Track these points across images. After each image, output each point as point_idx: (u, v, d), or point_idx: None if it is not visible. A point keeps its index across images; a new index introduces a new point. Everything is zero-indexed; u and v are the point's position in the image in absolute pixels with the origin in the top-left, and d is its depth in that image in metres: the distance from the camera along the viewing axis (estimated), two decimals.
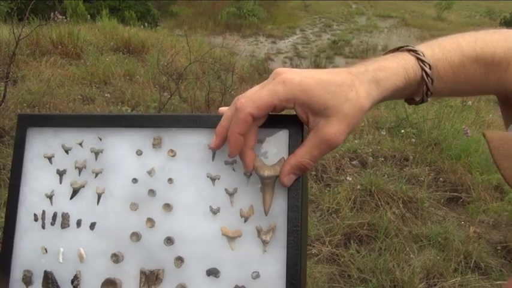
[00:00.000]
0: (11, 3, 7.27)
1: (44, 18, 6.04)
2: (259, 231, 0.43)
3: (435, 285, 2.35)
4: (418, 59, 0.47)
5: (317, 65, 7.10)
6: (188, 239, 0.44)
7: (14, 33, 3.76)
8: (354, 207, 2.98)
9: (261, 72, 6.72)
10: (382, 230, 2.72)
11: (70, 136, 0.48)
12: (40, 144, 0.48)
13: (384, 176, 3.30)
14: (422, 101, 0.50)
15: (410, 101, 0.51)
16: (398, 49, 0.50)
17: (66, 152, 0.48)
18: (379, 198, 3.03)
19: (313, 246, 2.64)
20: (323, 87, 0.42)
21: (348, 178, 3.26)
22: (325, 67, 7.28)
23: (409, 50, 0.49)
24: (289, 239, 0.42)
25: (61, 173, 0.48)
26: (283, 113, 0.45)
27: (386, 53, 0.51)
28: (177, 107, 4.37)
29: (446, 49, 0.50)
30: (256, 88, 0.43)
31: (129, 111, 4.14)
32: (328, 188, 3.20)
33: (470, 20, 15.99)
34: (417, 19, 15.68)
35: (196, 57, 5.01)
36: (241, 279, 0.43)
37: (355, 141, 3.82)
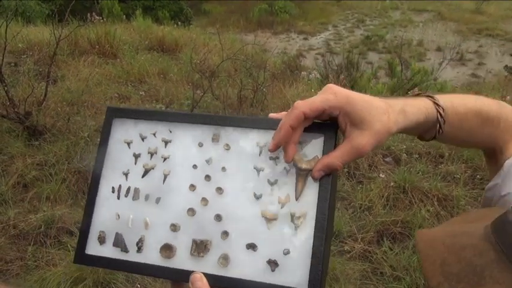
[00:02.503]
0: (51, 5, 7.54)
1: (82, 19, 6.24)
2: (292, 216, 0.51)
3: None
4: (435, 102, 0.58)
5: (350, 61, 7.01)
6: (234, 217, 0.52)
7: (54, 34, 3.92)
8: (387, 204, 2.94)
9: (292, 69, 6.70)
10: (416, 227, 2.68)
11: (146, 127, 0.58)
12: (122, 132, 0.59)
13: (418, 173, 3.24)
14: (434, 138, 0.60)
15: (421, 137, 0.62)
16: (418, 95, 0.61)
17: (142, 139, 0.58)
18: (412, 195, 2.99)
19: (346, 243, 2.63)
20: (365, 104, 0.51)
21: (381, 175, 3.23)
22: (358, 63, 7.18)
23: (427, 96, 0.59)
24: (317, 224, 0.50)
25: (136, 156, 0.57)
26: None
27: (408, 97, 0.61)
28: (209, 104, 4.44)
29: (454, 101, 0.61)
30: (312, 97, 0.52)
31: (163, 108, 4.24)
32: (360, 185, 3.18)
33: (511, 12, 15.35)
34: (454, 12, 15.21)
35: (229, 55, 5.06)
36: (274, 254, 0.50)
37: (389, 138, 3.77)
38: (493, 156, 0.68)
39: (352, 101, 0.51)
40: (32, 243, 2.49)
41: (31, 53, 5.15)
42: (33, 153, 3.26)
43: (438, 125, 0.58)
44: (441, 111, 0.57)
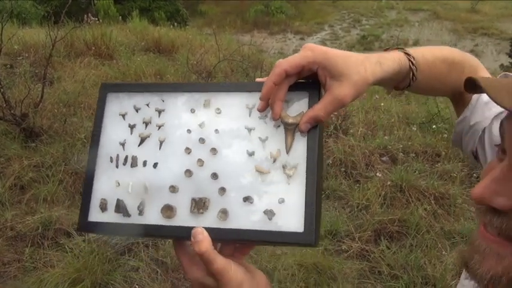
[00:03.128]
0: (47, 6, 7.52)
1: (77, 20, 6.22)
2: (284, 168, 0.54)
3: None
4: (405, 53, 0.62)
5: None
6: (229, 174, 0.55)
7: (50, 35, 3.91)
8: (384, 203, 2.95)
9: None
10: (413, 226, 2.69)
11: (140, 99, 0.61)
12: (116, 105, 0.61)
13: (415, 172, 3.25)
14: (408, 86, 0.64)
15: (397, 87, 0.66)
16: (387, 49, 0.65)
17: (136, 111, 0.60)
18: (410, 194, 3.00)
19: (343, 242, 2.64)
20: (342, 58, 0.54)
21: (378, 174, 3.24)
22: None
23: (397, 49, 0.64)
24: (308, 172, 0.53)
25: (132, 127, 0.60)
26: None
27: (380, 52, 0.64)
28: None
29: (422, 52, 0.66)
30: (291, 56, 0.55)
31: None
32: (357, 184, 3.19)
33: (507, 11, 15.42)
34: (449, 11, 15.28)
35: (225, 56, 5.06)
36: (269, 204, 0.53)
37: (385, 137, 3.78)
38: (460, 100, 0.74)
39: (329, 55, 0.54)
40: (29, 245, 2.49)
41: (27, 55, 5.14)
42: (29, 155, 3.25)
43: (411, 73, 0.62)
44: (412, 60, 0.62)
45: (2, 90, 3.41)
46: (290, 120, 0.54)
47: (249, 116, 0.57)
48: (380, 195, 2.99)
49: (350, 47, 10.94)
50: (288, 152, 0.54)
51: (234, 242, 0.54)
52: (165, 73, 5.36)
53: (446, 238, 2.67)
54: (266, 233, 0.52)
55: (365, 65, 0.55)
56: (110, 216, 0.57)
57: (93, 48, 5.72)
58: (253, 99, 0.57)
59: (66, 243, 2.46)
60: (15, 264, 2.38)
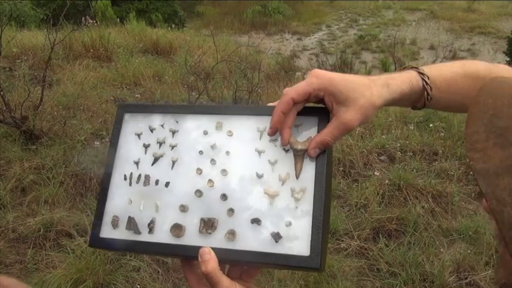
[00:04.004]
0: (45, 9, 7.53)
1: (75, 23, 6.24)
2: (292, 191, 0.55)
3: (466, 278, 2.34)
4: (419, 72, 0.61)
5: (344, 61, 7.05)
6: (238, 196, 0.56)
7: (48, 38, 3.93)
8: (382, 201, 2.98)
9: (287, 69, 6.73)
10: (411, 224, 2.72)
11: (155, 119, 0.63)
12: (132, 125, 0.63)
13: (413, 170, 3.28)
14: (424, 105, 0.63)
15: (414, 107, 0.65)
16: (403, 68, 0.64)
17: (151, 131, 0.63)
18: (407, 192, 3.03)
19: (342, 241, 2.66)
20: (346, 83, 0.55)
21: (375, 173, 3.26)
22: (351, 63, 7.23)
23: (412, 68, 0.62)
24: (315, 197, 0.54)
25: (146, 146, 0.62)
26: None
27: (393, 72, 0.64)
28: None
29: (441, 69, 0.64)
30: (298, 83, 0.56)
31: None
32: (356, 184, 3.21)
33: (503, 9, 15.47)
34: (446, 11, 15.31)
35: (223, 57, 5.08)
36: (277, 227, 0.54)
37: (383, 136, 3.81)
38: None
39: (334, 81, 0.55)
40: (31, 246, 2.51)
41: (26, 58, 5.15)
42: (30, 157, 3.27)
43: (426, 92, 0.61)
44: (426, 79, 0.61)
45: (1, 93, 3.43)
46: (299, 147, 0.55)
47: (260, 139, 0.58)
48: (378, 194, 3.02)
49: (347, 47, 10.96)
50: (297, 177, 0.55)
51: (240, 263, 0.55)
52: (163, 74, 5.39)
53: (444, 235, 2.69)
54: (272, 256, 0.52)
55: (371, 89, 0.56)
56: (121, 233, 0.58)
57: (92, 50, 5.74)
58: (264, 122, 0.58)
59: (67, 244, 2.48)
60: (18, 266, 2.40)
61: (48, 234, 2.58)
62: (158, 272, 2.39)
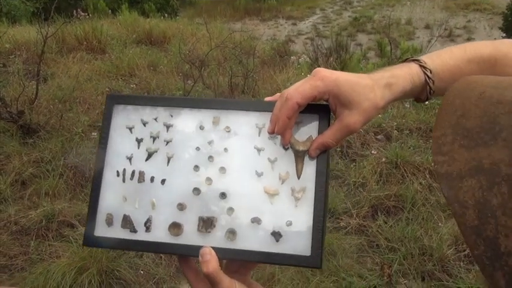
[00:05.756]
0: (36, 3, 7.48)
1: (67, 16, 6.21)
2: (293, 190, 0.54)
3: (464, 250, 2.37)
4: (421, 66, 0.60)
5: (339, 44, 7.02)
6: (238, 194, 0.56)
7: (41, 32, 3.91)
8: (380, 180, 3.01)
9: (282, 54, 6.71)
10: (409, 200, 2.75)
11: (147, 112, 0.60)
12: (123, 118, 0.60)
13: (410, 148, 3.30)
14: (427, 98, 0.63)
15: (418, 99, 0.64)
16: (405, 60, 0.63)
17: (144, 124, 0.60)
18: (405, 170, 3.05)
19: (341, 220, 2.69)
20: (351, 86, 0.55)
21: (373, 152, 3.28)
22: (347, 45, 7.20)
23: (414, 60, 0.62)
24: (316, 197, 0.54)
25: (139, 141, 0.59)
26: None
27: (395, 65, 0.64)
28: (201, 93, 4.46)
29: (442, 57, 0.63)
30: (300, 82, 0.55)
31: None
32: (353, 163, 3.23)
33: None
34: None
35: (217, 44, 5.07)
36: (277, 226, 0.54)
37: (379, 115, 3.81)
38: None
39: (339, 84, 0.54)
40: (34, 238, 2.53)
41: (19, 53, 5.14)
42: (28, 151, 3.29)
43: (428, 86, 0.61)
44: (428, 73, 0.60)
45: None
46: (300, 148, 0.55)
47: (259, 135, 0.57)
48: (376, 173, 3.04)
49: (342, 29, 10.91)
50: (299, 177, 0.55)
51: (241, 261, 0.55)
52: (158, 64, 5.38)
53: (441, 210, 2.72)
54: (273, 255, 0.52)
55: (374, 91, 0.56)
56: (116, 232, 0.56)
57: (85, 43, 5.72)
58: (263, 119, 0.57)
59: (70, 234, 2.51)
60: (22, 257, 2.43)
61: (50, 225, 2.61)
62: (161, 257, 2.42)
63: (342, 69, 5.88)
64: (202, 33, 6.34)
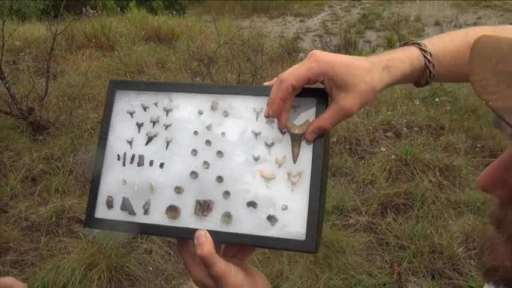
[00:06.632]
0: (45, 0, 7.53)
1: (76, 14, 6.24)
2: (289, 175, 0.54)
3: (475, 249, 2.35)
4: (421, 49, 0.59)
5: (348, 41, 6.98)
6: (234, 178, 0.56)
7: (50, 30, 3.93)
8: (390, 177, 2.98)
9: (290, 51, 6.68)
10: (418, 198, 2.72)
11: (148, 98, 0.61)
12: (125, 103, 0.61)
13: (419, 145, 3.27)
14: (427, 83, 0.61)
15: (417, 84, 0.63)
16: (405, 44, 0.62)
17: (144, 109, 0.61)
18: (414, 167, 3.02)
19: (350, 217, 2.68)
20: (347, 67, 0.53)
21: (382, 149, 3.26)
22: (355, 42, 7.16)
23: (414, 43, 0.60)
24: (312, 181, 0.53)
25: (139, 125, 0.60)
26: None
27: (398, 47, 0.62)
28: None
29: (443, 41, 0.62)
30: (295, 66, 0.54)
31: None
32: (362, 161, 3.22)
33: None
34: None
35: (225, 41, 5.06)
36: (273, 210, 0.54)
37: (389, 112, 3.79)
38: None
39: (334, 65, 0.53)
40: (44, 234, 2.55)
41: (29, 50, 5.18)
42: (38, 147, 3.31)
43: (428, 70, 0.59)
44: (428, 57, 0.59)
45: (7, 85, 3.46)
46: (296, 131, 0.55)
47: (256, 120, 0.57)
48: (385, 170, 3.02)
49: (351, 26, 10.84)
50: (295, 161, 0.54)
51: (236, 245, 0.55)
52: (166, 61, 5.39)
53: (452, 208, 2.70)
54: (268, 239, 0.53)
55: (372, 73, 0.54)
56: (116, 214, 0.57)
57: (94, 40, 5.74)
58: (261, 103, 0.57)
59: (80, 230, 2.53)
60: (32, 253, 2.45)
61: (60, 221, 2.63)
62: (170, 253, 2.43)
63: None
64: (211, 31, 6.33)
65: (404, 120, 3.64)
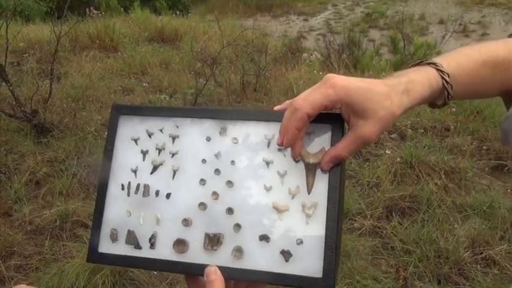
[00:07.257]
0: (49, 2, 7.54)
1: (80, 15, 6.24)
2: (303, 206, 0.51)
3: (481, 253, 2.33)
4: (438, 70, 0.57)
5: (351, 40, 6.95)
6: (245, 210, 0.53)
7: (54, 31, 3.93)
8: (395, 180, 2.97)
9: (294, 51, 6.66)
10: (424, 201, 2.71)
11: (153, 123, 0.58)
12: (129, 129, 0.59)
13: (425, 147, 3.25)
14: (445, 104, 0.59)
15: (433, 105, 0.60)
16: (419, 63, 0.59)
17: (149, 136, 0.58)
18: (420, 170, 3.00)
19: (355, 220, 2.66)
20: (364, 93, 0.50)
21: (387, 152, 3.24)
22: (359, 41, 7.12)
23: (429, 63, 0.58)
24: (328, 213, 0.50)
25: (144, 153, 0.58)
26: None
27: (410, 66, 0.60)
28: (213, 91, 4.45)
29: (458, 60, 0.60)
30: (309, 91, 0.51)
31: (167, 99, 4.26)
32: (367, 163, 3.20)
33: None
34: None
35: (229, 42, 5.04)
36: (287, 244, 0.51)
37: None
38: (510, 101, 0.66)
39: (352, 91, 0.50)
40: (48, 238, 2.55)
41: (32, 52, 5.18)
42: (42, 150, 3.31)
43: (446, 91, 0.57)
44: (446, 78, 0.57)
45: (11, 88, 3.46)
46: (311, 160, 0.52)
47: (267, 147, 0.54)
48: (390, 173, 3.00)
49: (355, 25, 10.81)
50: (309, 192, 0.52)
51: (248, 281, 0.53)
52: (170, 62, 5.38)
53: (458, 211, 2.68)
54: (282, 276, 0.50)
55: (391, 98, 0.51)
56: (121, 248, 0.55)
57: (98, 41, 5.74)
58: (272, 129, 0.54)
59: (84, 234, 2.52)
60: (36, 257, 2.45)
61: (64, 225, 2.62)
62: None
63: (355, 66, 5.82)
64: (214, 31, 6.32)
65: (409, 122, 3.61)
